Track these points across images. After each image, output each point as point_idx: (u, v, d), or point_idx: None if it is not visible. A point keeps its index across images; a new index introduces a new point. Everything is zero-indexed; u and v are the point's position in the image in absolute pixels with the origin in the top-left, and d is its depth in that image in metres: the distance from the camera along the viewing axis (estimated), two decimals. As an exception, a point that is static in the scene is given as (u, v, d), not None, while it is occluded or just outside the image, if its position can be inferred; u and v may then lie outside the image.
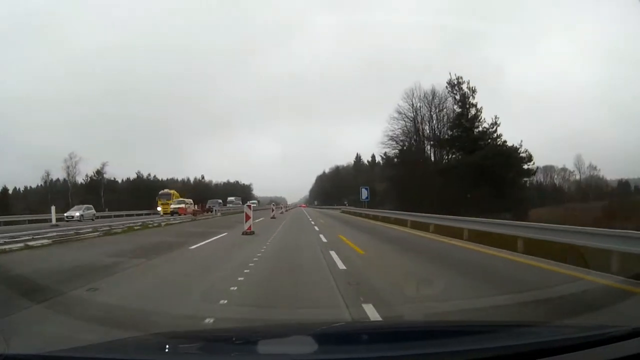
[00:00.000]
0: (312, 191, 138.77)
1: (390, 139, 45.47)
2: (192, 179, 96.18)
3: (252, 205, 25.54)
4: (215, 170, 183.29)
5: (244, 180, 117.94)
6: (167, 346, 2.21)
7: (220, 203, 57.68)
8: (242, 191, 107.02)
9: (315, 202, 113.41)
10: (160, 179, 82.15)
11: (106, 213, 40.25)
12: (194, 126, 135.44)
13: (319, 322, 4.21)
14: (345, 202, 65.50)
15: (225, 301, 5.24)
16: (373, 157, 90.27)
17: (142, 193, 60.19)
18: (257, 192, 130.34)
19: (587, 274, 6.86)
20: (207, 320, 4.29)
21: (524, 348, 1.79)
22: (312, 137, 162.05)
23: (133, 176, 75.00)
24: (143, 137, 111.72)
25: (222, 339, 2.43)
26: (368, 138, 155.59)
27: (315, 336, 2.36)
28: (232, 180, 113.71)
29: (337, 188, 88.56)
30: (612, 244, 7.60)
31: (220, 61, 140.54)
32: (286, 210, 54.81)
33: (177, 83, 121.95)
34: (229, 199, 74.37)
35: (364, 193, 41.40)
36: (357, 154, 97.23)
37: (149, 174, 78.23)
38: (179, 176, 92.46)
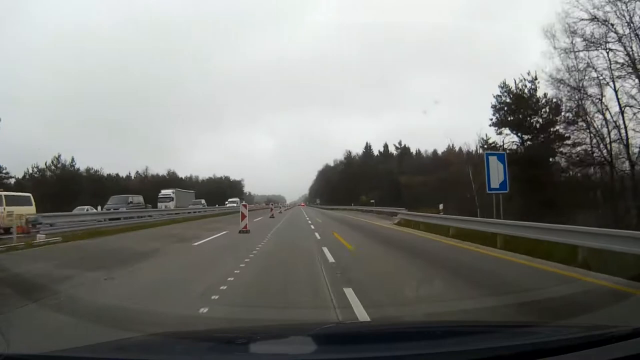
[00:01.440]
0: (312, 189, 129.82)
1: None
2: (182, 176, 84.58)
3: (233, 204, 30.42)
4: (210, 168, 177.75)
5: (235, 176, 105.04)
6: (167, 346, 2.22)
7: (134, 203, 34.09)
8: (232, 188, 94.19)
9: (318, 201, 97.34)
10: (144, 175, 75.02)
11: None
12: (184, 120, 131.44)
13: (318, 322, 4.26)
14: (372, 201, 48.64)
15: None
16: (385, 146, 77.99)
17: (49, 189, 43.67)
18: (254, 190, 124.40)
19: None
20: None
21: (524, 348, 1.80)
22: (312, 134, 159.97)
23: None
24: (124, 129, 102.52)
25: (221, 339, 2.44)
26: (373, 131, 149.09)
27: (314, 336, 2.38)
28: (218, 175, 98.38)
29: (351, 182, 71.58)
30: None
31: (211, 45, 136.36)
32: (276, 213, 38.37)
33: (164, 72, 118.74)
34: (163, 193, 44.18)
35: (496, 171, 14.24)
36: (367, 143, 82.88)
37: (74, 164, 59.53)
38: (164, 172, 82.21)
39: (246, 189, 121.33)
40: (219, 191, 76.76)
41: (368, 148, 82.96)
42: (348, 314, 4.71)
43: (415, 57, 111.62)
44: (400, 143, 75.58)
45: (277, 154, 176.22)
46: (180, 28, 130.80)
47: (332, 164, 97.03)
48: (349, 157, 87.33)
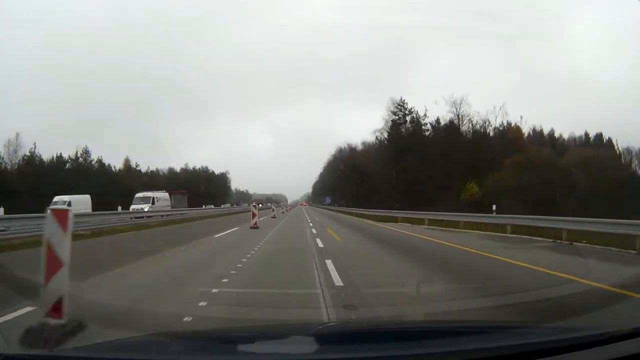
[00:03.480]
0: (316, 186, 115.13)
1: None
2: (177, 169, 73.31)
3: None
4: (206, 165, 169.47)
5: (232, 174, 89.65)
6: (167, 346, 2.22)
7: None
8: (212, 183, 77.66)
9: (328, 199, 77.84)
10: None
11: None
12: (176, 113, 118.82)
13: (318, 321, 4.29)
14: None
15: None
16: (437, 121, 49.55)
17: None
18: (253, 189, 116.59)
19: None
20: None
21: (524, 348, 1.81)
22: (314, 132, 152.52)
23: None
24: (108, 120, 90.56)
25: (222, 339, 2.46)
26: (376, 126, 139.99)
27: (314, 335, 2.41)
28: (192, 167, 79.48)
29: (401, 165, 44.03)
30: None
31: (208, 37, 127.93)
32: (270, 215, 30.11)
33: (154, 61, 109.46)
34: None
35: None
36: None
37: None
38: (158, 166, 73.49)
39: (243, 187, 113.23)
40: (188, 186, 59.61)
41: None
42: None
43: (419, 44, 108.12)
44: (438, 120, 50.91)
45: (278, 152, 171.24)
46: (176, 21, 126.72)
47: (345, 151, 73.15)
48: (400, 110, 50.19)
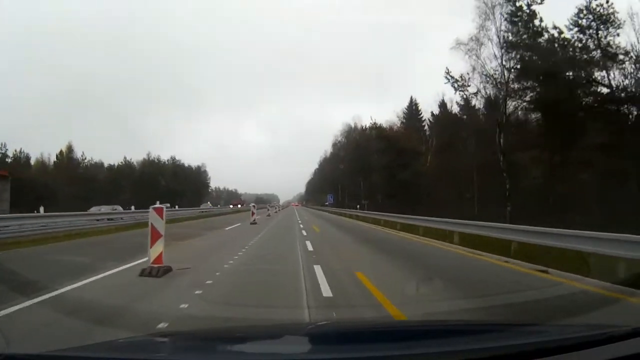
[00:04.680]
0: (310, 184, 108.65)
1: None
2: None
3: None
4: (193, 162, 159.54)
5: (216, 170, 79.48)
6: (164, 346, 2.21)
7: None
8: (179, 178, 64.66)
9: (330, 199, 63.89)
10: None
11: None
12: (160, 107, 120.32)
13: (318, 321, 4.30)
14: None
15: None
16: (443, 103, 38.38)
17: None
18: (243, 188, 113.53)
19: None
20: None
21: (523, 347, 1.81)
22: (309, 132, 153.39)
23: None
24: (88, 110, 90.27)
25: (217, 339, 2.45)
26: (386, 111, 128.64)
27: (312, 335, 2.42)
28: (155, 157, 65.67)
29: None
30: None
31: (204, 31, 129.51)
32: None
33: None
34: None
35: None
36: (412, 98, 46.02)
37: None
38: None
39: (232, 186, 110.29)
40: (150, 181, 50.04)
41: (413, 105, 45.15)
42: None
43: (418, 42, 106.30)
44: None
45: (270, 153, 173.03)
46: (163, 11, 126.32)
47: (355, 130, 59.38)
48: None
